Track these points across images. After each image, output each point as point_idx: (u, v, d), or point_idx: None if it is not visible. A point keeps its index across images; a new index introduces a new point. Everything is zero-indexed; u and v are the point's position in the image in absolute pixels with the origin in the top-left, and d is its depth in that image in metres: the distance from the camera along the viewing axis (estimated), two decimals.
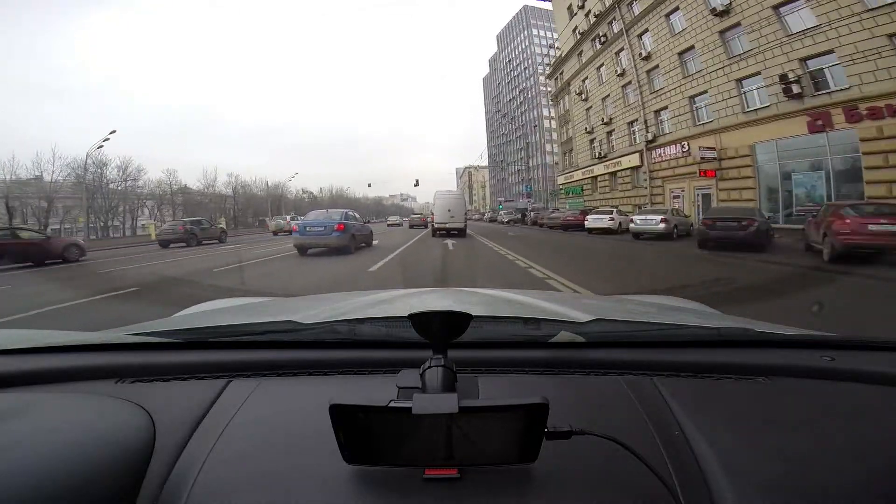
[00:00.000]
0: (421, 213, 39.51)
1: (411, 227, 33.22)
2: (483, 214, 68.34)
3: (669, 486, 0.54)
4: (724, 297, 5.11)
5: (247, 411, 0.71)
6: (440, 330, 0.64)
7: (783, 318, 1.50)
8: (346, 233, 11.92)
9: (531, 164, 75.71)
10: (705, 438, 0.63)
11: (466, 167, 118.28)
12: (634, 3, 24.99)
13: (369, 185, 45.37)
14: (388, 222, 46.21)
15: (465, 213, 21.57)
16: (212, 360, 0.88)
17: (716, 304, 1.59)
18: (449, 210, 20.18)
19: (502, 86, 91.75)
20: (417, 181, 33.53)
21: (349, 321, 1.03)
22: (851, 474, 0.56)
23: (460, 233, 19.88)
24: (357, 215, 14.53)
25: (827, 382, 0.78)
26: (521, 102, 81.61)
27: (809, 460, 0.58)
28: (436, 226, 20.41)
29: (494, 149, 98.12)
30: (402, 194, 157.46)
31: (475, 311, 0.71)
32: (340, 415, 0.51)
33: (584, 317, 0.98)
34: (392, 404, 0.52)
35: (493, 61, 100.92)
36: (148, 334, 0.97)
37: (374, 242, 14.61)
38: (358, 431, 0.52)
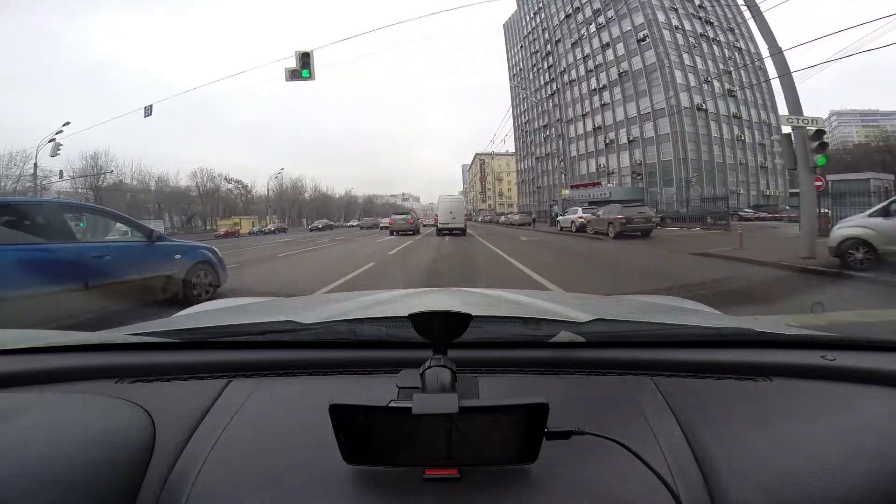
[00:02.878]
0: (407, 214, 28.21)
1: (392, 233, 24.11)
2: (518, 218, 38.50)
3: (669, 486, 0.54)
4: None
5: (247, 411, 0.71)
6: (440, 330, 0.64)
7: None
8: None
9: (617, 119, 45.58)
10: (705, 438, 0.63)
11: (477, 154, 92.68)
12: None
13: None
14: (381, 225, 38.22)
15: (465, 215, 24.43)
16: (212, 360, 0.88)
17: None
18: (451, 212, 23.11)
19: (544, 6, 59.86)
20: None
21: (349, 321, 1.03)
22: (851, 474, 0.56)
23: (461, 232, 22.38)
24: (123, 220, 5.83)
25: (827, 382, 0.78)
26: (594, 12, 48.78)
27: (809, 460, 0.58)
28: (439, 226, 23.33)
29: (525, 116, 67.70)
30: (403, 194, 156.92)
31: (475, 311, 0.71)
32: (340, 415, 0.51)
33: (584, 317, 0.97)
34: (392, 404, 0.52)
35: None
36: (148, 334, 0.97)
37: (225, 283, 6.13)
38: (358, 431, 0.52)
